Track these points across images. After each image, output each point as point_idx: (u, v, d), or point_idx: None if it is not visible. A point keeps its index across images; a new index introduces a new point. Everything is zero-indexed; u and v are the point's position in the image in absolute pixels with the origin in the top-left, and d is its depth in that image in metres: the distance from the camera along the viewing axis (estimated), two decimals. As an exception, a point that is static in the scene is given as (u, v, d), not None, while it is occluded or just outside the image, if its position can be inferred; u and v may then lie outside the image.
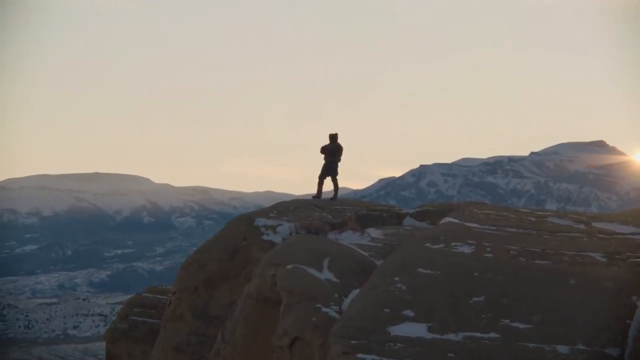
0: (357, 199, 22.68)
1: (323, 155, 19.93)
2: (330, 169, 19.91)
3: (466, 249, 12.23)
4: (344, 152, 20.00)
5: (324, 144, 19.91)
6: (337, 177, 20.02)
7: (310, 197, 20.34)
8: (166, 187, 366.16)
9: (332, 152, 19.79)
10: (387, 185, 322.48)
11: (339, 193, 20.31)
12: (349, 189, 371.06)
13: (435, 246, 12.52)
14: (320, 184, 19.98)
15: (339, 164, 20.05)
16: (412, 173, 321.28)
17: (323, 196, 20.32)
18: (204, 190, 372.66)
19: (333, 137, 19.91)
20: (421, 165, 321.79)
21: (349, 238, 16.22)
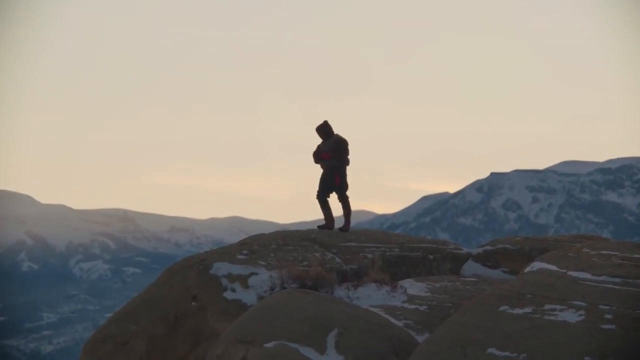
0: (385, 230, 22.71)
1: (322, 163, 19.98)
2: (331, 181, 19.90)
3: (571, 316, 12.21)
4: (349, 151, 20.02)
5: (317, 145, 19.95)
6: (348, 193, 20.04)
7: (309, 227, 20.34)
8: (61, 211, 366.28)
9: (334, 153, 19.78)
10: (435, 207, 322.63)
11: (353, 220, 20.33)
12: (371, 213, 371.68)
13: (518, 311, 12.50)
14: (326, 206, 19.98)
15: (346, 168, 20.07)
16: (478, 186, 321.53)
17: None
18: (125, 216, 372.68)
19: (324, 130, 19.87)
20: (493, 174, 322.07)
21: (370, 297, 16.21)
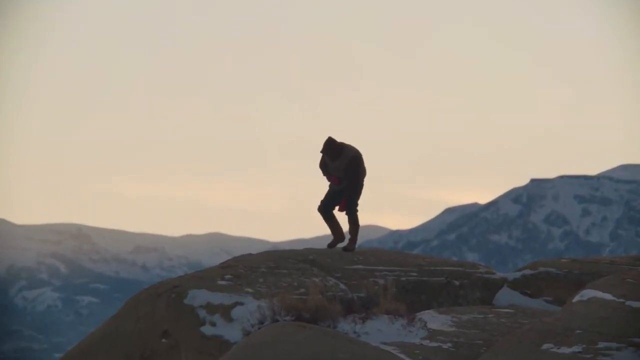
0: (400, 249, 22.74)
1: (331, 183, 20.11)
2: (337, 196, 19.95)
3: (630, 356, 12.19)
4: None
5: (324, 163, 20.02)
6: (358, 208, 20.07)
7: (306, 246, 20.37)
8: (0, 227, 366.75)
9: (346, 174, 19.79)
10: (462, 222, 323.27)
11: (361, 237, 20.34)
12: (383, 228, 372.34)
13: (564, 350, 12.48)
14: (331, 219, 20.02)
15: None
16: (514, 196, 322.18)
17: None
18: (79, 233, 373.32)
19: (330, 150, 19.80)
20: (533, 181, 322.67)
21: (382, 332, 16.21)
